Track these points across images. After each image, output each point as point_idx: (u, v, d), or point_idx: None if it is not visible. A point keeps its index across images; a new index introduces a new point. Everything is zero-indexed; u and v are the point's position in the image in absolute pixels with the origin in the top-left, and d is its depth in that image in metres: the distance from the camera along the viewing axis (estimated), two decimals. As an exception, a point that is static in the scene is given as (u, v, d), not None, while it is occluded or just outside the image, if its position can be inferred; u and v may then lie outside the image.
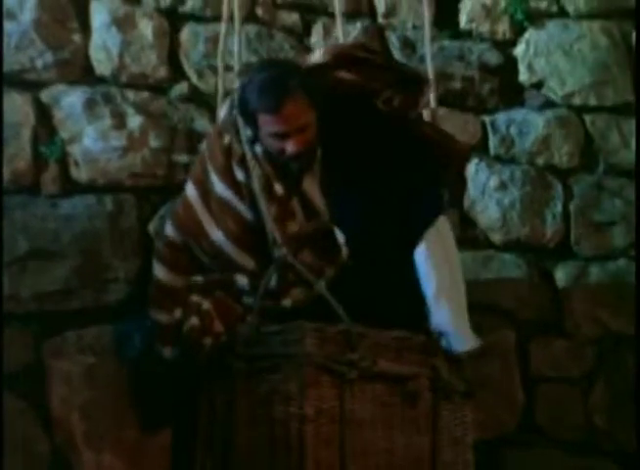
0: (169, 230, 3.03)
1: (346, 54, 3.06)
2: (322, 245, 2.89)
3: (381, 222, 2.87)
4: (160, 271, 3.01)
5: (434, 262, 2.89)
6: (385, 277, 2.85)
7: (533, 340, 3.77)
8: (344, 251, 2.87)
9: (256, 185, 2.90)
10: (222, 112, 3.14)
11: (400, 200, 2.90)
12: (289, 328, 2.76)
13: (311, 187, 2.96)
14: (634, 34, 3.93)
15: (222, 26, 3.37)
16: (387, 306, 2.82)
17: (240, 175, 2.96)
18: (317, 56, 3.09)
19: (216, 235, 2.94)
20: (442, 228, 2.95)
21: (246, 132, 2.96)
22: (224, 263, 2.94)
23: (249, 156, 2.94)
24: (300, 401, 2.68)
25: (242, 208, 2.94)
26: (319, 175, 2.95)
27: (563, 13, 3.95)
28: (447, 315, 2.88)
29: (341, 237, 2.87)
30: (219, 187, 2.96)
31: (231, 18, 3.33)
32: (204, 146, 3.14)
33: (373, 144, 2.96)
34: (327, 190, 2.95)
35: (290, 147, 2.84)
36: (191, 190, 3.04)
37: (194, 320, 2.90)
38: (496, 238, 3.79)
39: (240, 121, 2.97)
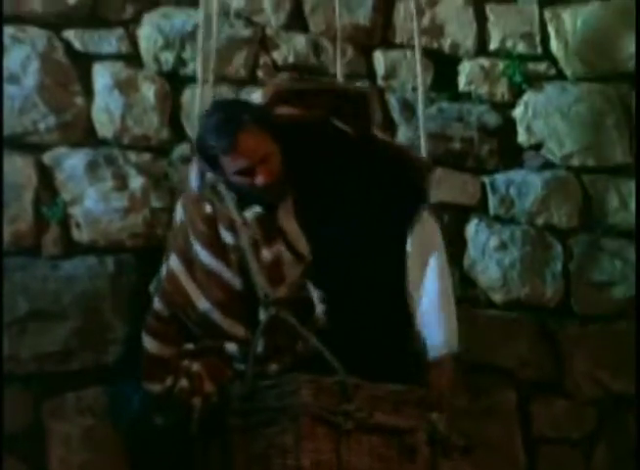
0: (157, 304, 3.00)
1: (283, 90, 3.15)
2: (300, 305, 2.90)
3: (365, 252, 2.91)
4: (149, 343, 2.97)
5: (420, 262, 2.95)
6: (376, 323, 2.88)
7: (534, 400, 3.76)
8: (320, 309, 2.87)
9: (247, 249, 2.90)
10: (193, 180, 3.14)
11: (378, 216, 2.94)
12: (284, 381, 2.75)
13: (290, 227, 2.96)
14: (634, 97, 3.96)
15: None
16: (380, 356, 2.84)
17: (229, 239, 2.95)
18: (256, 97, 3.14)
19: (203, 305, 2.92)
20: (427, 225, 3.01)
21: (231, 196, 2.97)
22: (214, 332, 2.92)
23: (238, 222, 2.94)
24: (297, 454, 2.66)
25: (228, 275, 2.93)
26: (294, 212, 2.97)
27: (561, 75, 3.99)
28: (436, 315, 2.92)
29: (316, 297, 2.88)
30: (204, 255, 2.95)
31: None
32: (179, 216, 3.10)
33: (339, 169, 2.99)
34: (305, 226, 2.96)
35: (258, 180, 2.87)
36: (174, 262, 3.00)
37: (183, 382, 2.90)
38: (497, 298, 3.80)
39: (221, 188, 3.00)
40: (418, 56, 3.46)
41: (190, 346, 2.96)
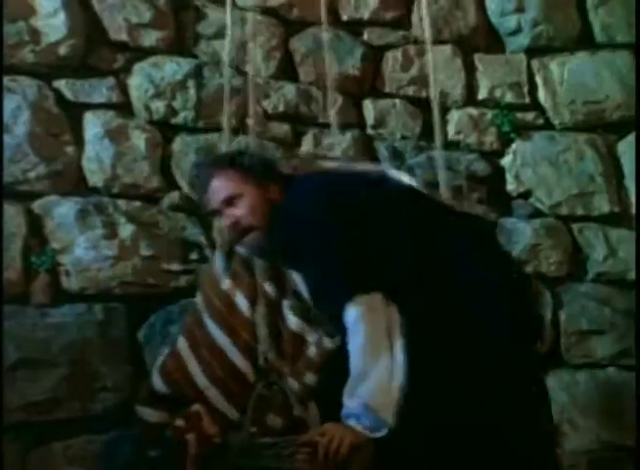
0: (156, 381, 2.94)
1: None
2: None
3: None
4: (147, 415, 2.92)
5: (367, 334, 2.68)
6: None
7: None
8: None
9: (261, 323, 2.90)
10: (217, 261, 3.08)
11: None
12: (280, 442, 2.75)
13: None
14: (617, 147, 4.02)
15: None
16: None
17: (245, 308, 2.93)
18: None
19: (201, 381, 2.88)
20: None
21: (259, 264, 2.95)
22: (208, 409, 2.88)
23: (260, 291, 2.93)
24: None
25: (234, 354, 2.90)
26: None
27: (549, 125, 4.04)
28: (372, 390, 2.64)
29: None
30: (217, 333, 2.92)
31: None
32: (198, 298, 3.07)
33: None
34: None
35: (225, 222, 2.85)
36: (182, 342, 2.97)
37: (179, 421, 2.88)
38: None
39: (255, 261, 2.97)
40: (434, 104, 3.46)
41: None
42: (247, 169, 2.86)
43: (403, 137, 3.86)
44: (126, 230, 3.51)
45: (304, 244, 2.67)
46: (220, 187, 2.84)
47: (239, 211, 2.82)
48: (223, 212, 2.85)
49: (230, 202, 2.83)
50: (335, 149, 3.76)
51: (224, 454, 2.84)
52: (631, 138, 4.02)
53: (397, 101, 3.90)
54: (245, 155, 2.96)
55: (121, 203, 3.55)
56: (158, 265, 3.52)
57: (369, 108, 3.91)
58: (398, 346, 2.55)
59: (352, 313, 2.57)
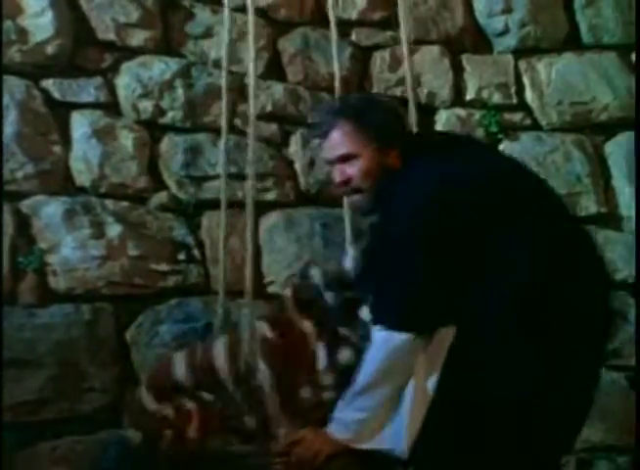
0: (178, 372, 2.89)
1: None
2: None
3: None
4: (150, 403, 2.88)
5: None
6: None
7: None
8: None
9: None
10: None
11: None
12: (256, 451, 2.77)
13: None
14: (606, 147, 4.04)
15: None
16: None
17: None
18: None
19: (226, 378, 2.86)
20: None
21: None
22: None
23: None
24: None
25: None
26: None
27: (536, 125, 4.06)
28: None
29: None
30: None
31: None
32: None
33: None
34: None
35: (335, 176, 2.72)
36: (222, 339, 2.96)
37: (167, 411, 2.85)
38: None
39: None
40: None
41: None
42: (371, 128, 2.70)
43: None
44: (114, 230, 3.51)
45: (392, 241, 2.57)
46: (340, 142, 2.70)
47: (351, 170, 2.68)
48: (336, 166, 2.72)
49: (345, 159, 2.69)
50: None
51: (198, 462, 2.85)
52: (619, 138, 4.05)
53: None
54: (374, 109, 2.78)
55: (109, 203, 3.56)
56: (145, 266, 3.54)
57: (357, 108, 3.91)
58: (419, 387, 2.54)
59: (382, 336, 2.53)
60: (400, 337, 2.51)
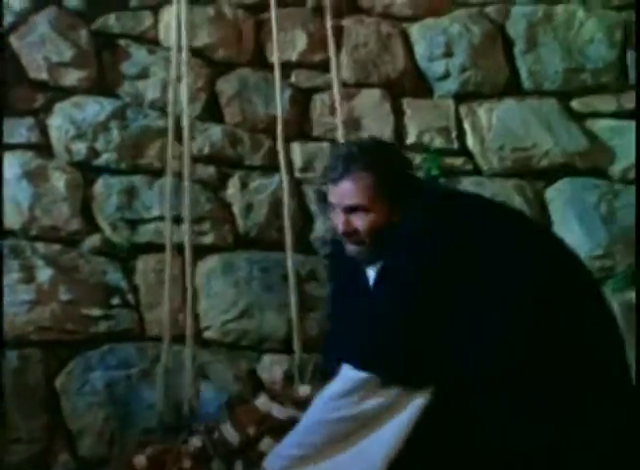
0: (228, 432, 2.80)
1: None
2: None
3: None
4: None
5: None
6: None
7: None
8: None
9: None
10: None
11: None
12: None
13: None
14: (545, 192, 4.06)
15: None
16: None
17: None
18: None
19: None
20: None
21: None
22: None
23: None
24: None
25: None
26: None
27: (477, 170, 4.07)
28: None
29: None
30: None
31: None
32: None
33: None
34: None
35: (337, 222, 2.65)
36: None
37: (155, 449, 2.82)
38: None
39: None
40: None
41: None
42: (387, 186, 2.64)
43: (332, 181, 3.84)
44: (44, 274, 3.46)
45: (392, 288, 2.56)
46: (352, 193, 2.61)
47: (359, 223, 2.62)
48: (341, 213, 2.63)
49: (353, 210, 2.63)
50: (262, 192, 3.75)
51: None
52: (559, 185, 4.07)
53: (325, 144, 3.89)
54: (392, 163, 2.69)
55: (39, 246, 3.51)
56: (77, 310, 3.48)
57: (296, 151, 3.89)
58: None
59: (351, 377, 2.48)
60: (361, 375, 2.46)
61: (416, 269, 2.52)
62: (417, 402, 2.47)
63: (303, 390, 2.85)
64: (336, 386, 2.49)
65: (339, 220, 2.65)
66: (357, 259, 2.72)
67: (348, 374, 2.48)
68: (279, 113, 3.56)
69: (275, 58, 3.63)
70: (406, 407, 2.47)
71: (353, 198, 2.62)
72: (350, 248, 2.69)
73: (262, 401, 2.81)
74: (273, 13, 3.69)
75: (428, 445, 2.48)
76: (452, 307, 2.46)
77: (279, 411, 2.77)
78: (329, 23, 3.57)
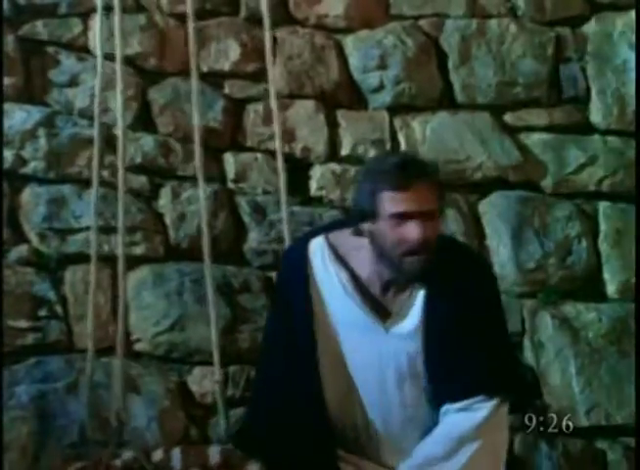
0: None
1: None
2: None
3: None
4: None
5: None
6: None
7: None
8: None
9: None
10: None
11: None
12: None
13: None
14: (480, 207, 4.09)
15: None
16: None
17: None
18: None
19: None
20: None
21: None
22: None
23: None
24: None
25: None
26: None
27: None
28: None
29: None
30: None
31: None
32: None
33: None
34: None
35: (413, 231, 2.56)
36: None
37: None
38: None
39: None
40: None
41: None
42: (442, 189, 2.71)
43: (265, 192, 3.83)
44: (-32, 286, 3.38)
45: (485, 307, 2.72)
46: (427, 197, 2.59)
47: (430, 231, 2.59)
48: (417, 221, 2.58)
49: (429, 215, 2.60)
50: (194, 203, 3.72)
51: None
52: (493, 198, 4.10)
53: (259, 155, 3.89)
54: (437, 170, 2.75)
55: (-36, 257, 3.44)
56: (3, 322, 3.41)
57: (230, 161, 3.88)
58: None
59: (482, 414, 2.60)
60: (500, 410, 2.64)
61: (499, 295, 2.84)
62: None
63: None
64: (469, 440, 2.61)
65: (414, 230, 2.57)
66: (412, 276, 2.65)
67: (487, 405, 2.61)
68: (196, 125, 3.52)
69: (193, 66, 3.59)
70: None
71: (430, 203, 2.60)
72: (413, 262, 2.61)
73: None
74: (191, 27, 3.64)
75: None
76: None
77: None
78: (266, 33, 3.54)
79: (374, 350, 2.71)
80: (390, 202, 2.57)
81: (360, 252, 2.70)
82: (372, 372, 2.72)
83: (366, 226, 2.64)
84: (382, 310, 2.71)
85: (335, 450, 2.75)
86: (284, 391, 2.72)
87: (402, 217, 2.58)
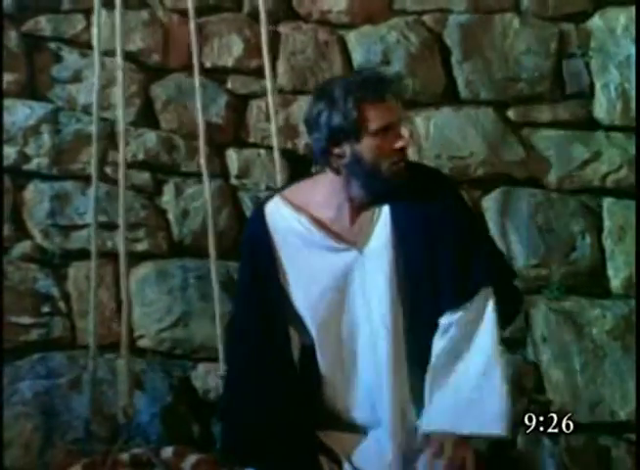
0: None
1: None
2: None
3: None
4: None
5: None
6: None
7: None
8: None
9: None
10: None
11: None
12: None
13: None
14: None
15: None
16: None
17: None
18: None
19: None
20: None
21: None
22: None
23: None
24: None
25: None
26: None
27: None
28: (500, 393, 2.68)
29: None
30: None
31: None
32: None
33: None
34: None
35: (400, 140, 2.67)
36: None
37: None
38: None
39: None
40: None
41: None
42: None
43: (268, 188, 3.85)
44: (-29, 282, 3.41)
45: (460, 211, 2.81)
46: (395, 108, 2.68)
47: (405, 135, 2.70)
48: (396, 131, 2.68)
49: (397, 125, 2.70)
50: (198, 199, 3.74)
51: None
52: (495, 194, 4.12)
53: (262, 151, 3.91)
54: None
55: (-33, 253, 3.47)
56: (6, 318, 3.44)
57: (233, 157, 3.91)
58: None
59: (491, 304, 2.72)
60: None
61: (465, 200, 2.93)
62: None
63: None
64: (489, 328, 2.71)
65: (401, 139, 2.69)
66: (393, 188, 2.71)
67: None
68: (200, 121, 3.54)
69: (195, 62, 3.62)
70: None
71: (401, 111, 2.73)
72: (400, 170, 2.70)
73: None
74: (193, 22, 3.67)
75: None
76: None
77: None
78: (263, 29, 3.57)
79: (355, 277, 2.74)
80: (372, 117, 2.65)
81: (317, 196, 2.77)
82: (359, 303, 2.75)
83: (345, 150, 2.67)
84: (351, 240, 2.75)
85: (313, 425, 2.78)
86: (257, 367, 2.74)
87: (386, 129, 2.67)
